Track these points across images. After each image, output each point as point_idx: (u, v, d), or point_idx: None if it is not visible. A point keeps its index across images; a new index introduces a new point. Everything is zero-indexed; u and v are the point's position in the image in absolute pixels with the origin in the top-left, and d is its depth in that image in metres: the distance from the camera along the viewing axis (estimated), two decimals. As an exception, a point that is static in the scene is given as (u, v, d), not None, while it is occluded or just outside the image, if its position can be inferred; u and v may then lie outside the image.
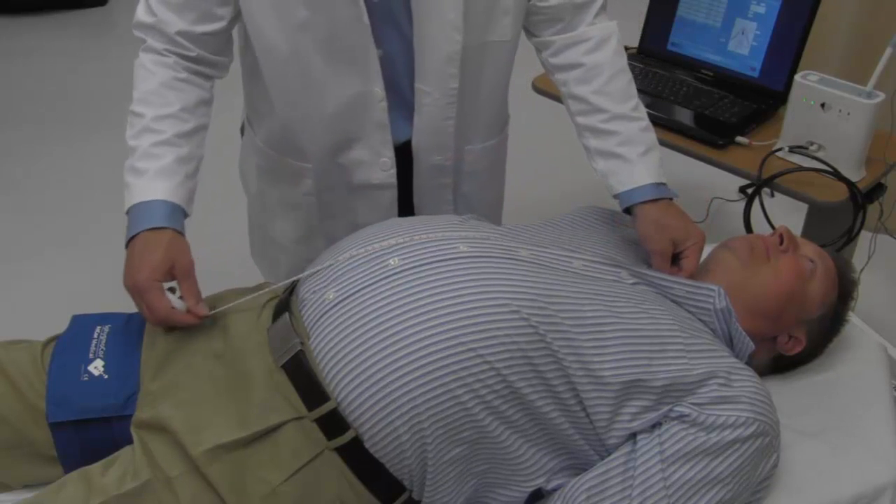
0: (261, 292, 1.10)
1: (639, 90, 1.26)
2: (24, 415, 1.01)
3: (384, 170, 1.28)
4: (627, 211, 1.20)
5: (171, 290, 1.04)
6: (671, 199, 1.19)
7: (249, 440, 0.93)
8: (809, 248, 1.17)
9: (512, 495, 1.00)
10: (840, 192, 1.54)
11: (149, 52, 1.16)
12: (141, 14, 1.16)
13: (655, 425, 0.97)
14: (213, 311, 1.08)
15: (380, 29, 1.16)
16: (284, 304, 1.05)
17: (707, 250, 1.21)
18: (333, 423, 0.93)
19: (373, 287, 0.97)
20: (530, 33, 1.30)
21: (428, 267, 0.97)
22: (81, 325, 1.08)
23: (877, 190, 1.61)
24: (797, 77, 1.58)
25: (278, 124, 1.28)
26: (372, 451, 0.93)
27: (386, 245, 1.02)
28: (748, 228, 1.61)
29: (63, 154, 2.96)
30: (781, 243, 1.15)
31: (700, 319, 1.09)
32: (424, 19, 1.15)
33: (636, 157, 1.18)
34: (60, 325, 1.09)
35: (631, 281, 1.10)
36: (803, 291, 1.12)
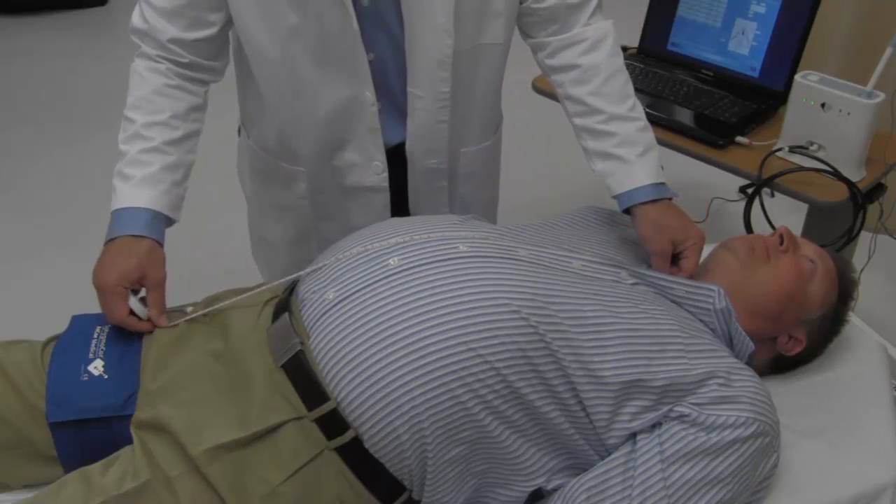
0: (259, 290, 1.11)
1: (639, 90, 1.26)
2: (24, 415, 1.01)
3: (376, 173, 1.29)
4: (627, 211, 1.20)
5: (143, 300, 1.08)
6: (670, 199, 1.19)
7: (249, 440, 0.93)
8: (809, 249, 1.17)
9: (512, 495, 1.00)
10: (840, 192, 1.54)
11: (143, 59, 1.18)
12: (135, 20, 1.17)
13: (655, 425, 0.97)
14: (210, 310, 1.09)
15: (370, 33, 1.16)
16: (284, 303, 1.05)
17: (707, 250, 1.21)
18: (333, 423, 0.93)
19: (372, 287, 0.97)
20: (526, 34, 1.30)
21: (428, 267, 0.97)
22: (81, 325, 1.08)
23: (877, 190, 1.61)
24: (797, 77, 1.58)
25: (271, 127, 1.29)
26: (372, 451, 0.93)
27: (386, 245, 1.02)
28: (748, 228, 1.61)
29: (63, 154, 2.96)
30: (781, 243, 1.15)
31: (700, 319, 1.09)
32: (415, 23, 1.15)
33: (634, 157, 1.18)
34: (60, 325, 1.09)
35: (630, 281, 1.10)
36: (803, 291, 1.12)
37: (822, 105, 1.54)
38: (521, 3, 1.23)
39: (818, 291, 1.14)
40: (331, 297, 0.99)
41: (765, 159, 1.61)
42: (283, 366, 0.97)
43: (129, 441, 0.96)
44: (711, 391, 0.97)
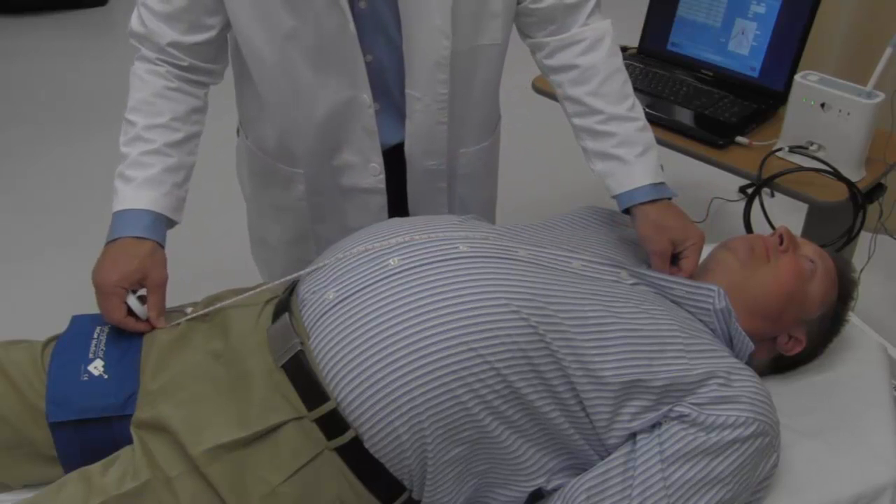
0: (258, 290, 1.11)
1: (639, 90, 1.26)
2: (24, 415, 1.01)
3: (373, 175, 1.29)
4: (626, 212, 1.20)
5: (141, 298, 1.08)
6: (670, 198, 1.19)
7: (249, 440, 0.93)
8: (809, 249, 1.17)
9: (512, 495, 1.00)
10: (840, 192, 1.54)
11: (142, 61, 1.18)
12: (134, 24, 1.18)
13: (655, 425, 0.97)
14: (209, 310, 1.09)
15: (368, 36, 1.16)
16: (284, 304, 1.05)
17: (707, 250, 1.21)
18: (333, 423, 0.93)
19: (373, 287, 0.97)
20: (524, 34, 1.30)
21: (428, 267, 0.97)
22: (81, 325, 1.08)
23: (877, 190, 1.61)
24: (797, 77, 1.58)
25: (269, 129, 1.29)
26: (372, 451, 0.93)
27: (386, 245, 1.02)
28: (748, 228, 1.61)
29: (63, 154, 2.96)
30: (781, 243, 1.15)
31: (700, 319, 1.09)
32: (412, 25, 1.15)
33: (633, 157, 1.18)
34: (60, 325, 1.09)
35: (630, 281, 1.10)
36: (803, 292, 1.12)
37: (822, 105, 1.54)
38: (518, 4, 1.23)
39: (818, 291, 1.14)
40: (331, 297, 0.99)
41: (765, 159, 1.60)
42: (283, 366, 0.97)
43: (129, 441, 0.96)
44: (711, 391, 0.97)
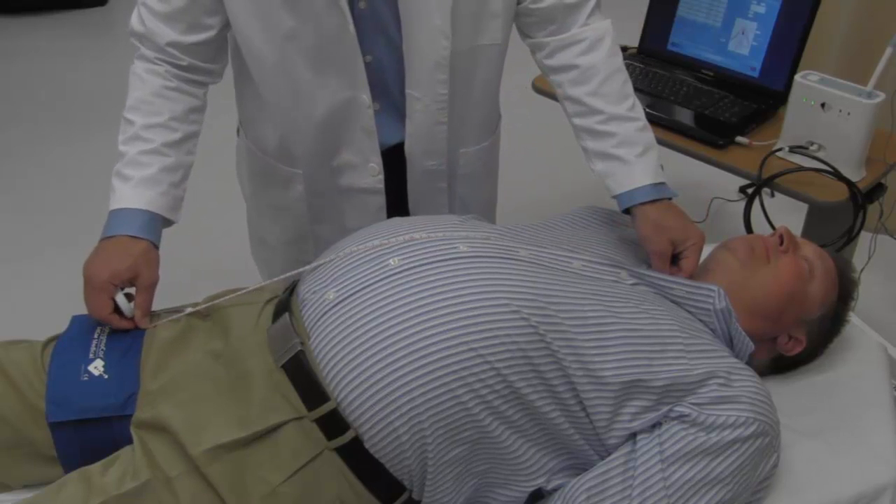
0: (258, 287, 1.11)
1: (639, 90, 1.26)
2: (24, 415, 1.01)
3: (372, 175, 1.29)
4: (627, 212, 1.20)
5: (129, 296, 1.08)
6: (670, 198, 1.19)
7: (249, 440, 0.93)
8: (809, 249, 1.17)
9: (512, 495, 1.00)
10: (840, 192, 1.54)
11: (141, 60, 1.19)
12: (134, 23, 1.18)
13: (655, 425, 0.97)
14: (203, 306, 1.09)
15: (368, 36, 1.16)
16: (284, 304, 1.05)
17: (707, 250, 1.21)
18: (333, 424, 0.93)
19: (373, 287, 0.97)
20: (524, 34, 1.30)
21: (428, 267, 0.97)
22: (81, 325, 1.08)
23: (877, 190, 1.61)
24: (797, 77, 1.58)
25: (269, 129, 1.29)
26: (372, 451, 0.93)
27: (386, 244, 1.02)
28: (748, 228, 1.61)
29: (63, 154, 2.96)
30: (781, 244, 1.15)
31: (700, 320, 1.08)
32: (412, 25, 1.15)
33: (634, 157, 1.18)
34: (60, 325, 1.09)
35: (631, 281, 1.10)
36: (803, 292, 1.12)
37: (822, 105, 1.54)
38: (518, 4, 1.23)
39: (818, 292, 1.14)
40: (331, 297, 0.99)
41: (765, 159, 1.60)
42: (283, 366, 0.97)
43: (129, 441, 0.96)
44: (711, 391, 0.97)
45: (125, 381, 1.02)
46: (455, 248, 1.01)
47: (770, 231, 1.22)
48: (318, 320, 0.97)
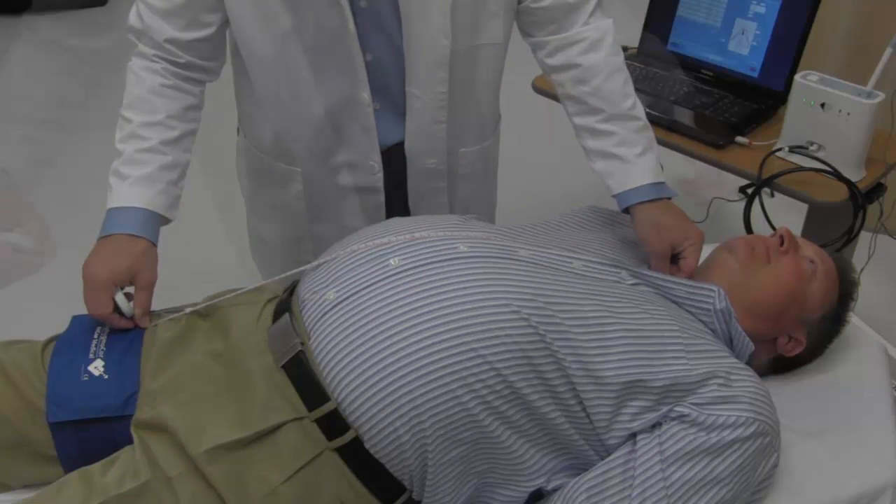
0: (256, 287, 1.11)
1: (639, 90, 1.26)
2: (23, 415, 1.01)
3: (371, 173, 1.29)
4: (626, 211, 1.20)
5: (128, 295, 1.08)
6: (669, 198, 1.19)
7: (249, 440, 0.93)
8: (810, 249, 1.17)
9: (512, 495, 1.00)
10: (840, 192, 1.54)
11: (139, 58, 1.18)
12: (132, 19, 1.17)
13: (655, 425, 0.97)
14: (205, 306, 1.09)
15: (368, 34, 1.16)
16: (285, 304, 1.05)
17: (707, 250, 1.21)
18: (333, 424, 0.93)
19: (373, 287, 0.97)
20: (525, 33, 1.30)
21: (428, 267, 0.97)
22: (81, 325, 1.08)
23: (877, 190, 1.61)
24: (797, 77, 1.58)
25: (268, 127, 1.29)
26: (372, 451, 0.93)
27: (386, 244, 1.02)
28: (748, 228, 1.61)
29: (62, 154, 2.96)
30: (782, 244, 1.15)
31: (700, 320, 1.08)
32: (413, 24, 1.15)
33: (634, 157, 1.18)
34: (60, 325, 1.09)
35: (631, 281, 1.10)
36: (803, 292, 1.12)
37: (822, 105, 1.54)
38: (519, 3, 1.23)
39: (818, 292, 1.14)
40: (331, 297, 0.99)
41: (765, 159, 1.60)
42: (283, 366, 0.97)
43: (130, 441, 0.96)
44: (711, 391, 0.97)
45: (125, 382, 1.02)
46: (455, 248, 1.01)
47: (770, 231, 1.22)
48: (319, 320, 0.97)
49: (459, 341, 0.91)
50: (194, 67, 1.19)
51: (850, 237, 1.58)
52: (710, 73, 1.89)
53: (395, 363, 0.91)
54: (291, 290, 1.09)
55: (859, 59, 2.12)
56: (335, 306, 0.97)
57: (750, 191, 1.63)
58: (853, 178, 1.54)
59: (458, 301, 0.94)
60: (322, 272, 1.04)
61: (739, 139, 1.68)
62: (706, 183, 2.49)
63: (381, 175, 1.29)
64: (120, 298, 1.07)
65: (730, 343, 1.09)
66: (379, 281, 0.97)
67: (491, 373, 0.92)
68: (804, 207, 1.67)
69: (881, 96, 1.51)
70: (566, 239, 1.18)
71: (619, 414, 0.97)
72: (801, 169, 1.57)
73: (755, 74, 1.81)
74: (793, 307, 1.12)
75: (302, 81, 1.18)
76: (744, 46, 1.82)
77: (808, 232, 1.72)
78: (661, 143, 1.44)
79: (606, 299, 1.01)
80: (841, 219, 1.59)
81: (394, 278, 0.97)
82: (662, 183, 1.19)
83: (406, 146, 1.28)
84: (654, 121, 1.25)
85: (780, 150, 1.62)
